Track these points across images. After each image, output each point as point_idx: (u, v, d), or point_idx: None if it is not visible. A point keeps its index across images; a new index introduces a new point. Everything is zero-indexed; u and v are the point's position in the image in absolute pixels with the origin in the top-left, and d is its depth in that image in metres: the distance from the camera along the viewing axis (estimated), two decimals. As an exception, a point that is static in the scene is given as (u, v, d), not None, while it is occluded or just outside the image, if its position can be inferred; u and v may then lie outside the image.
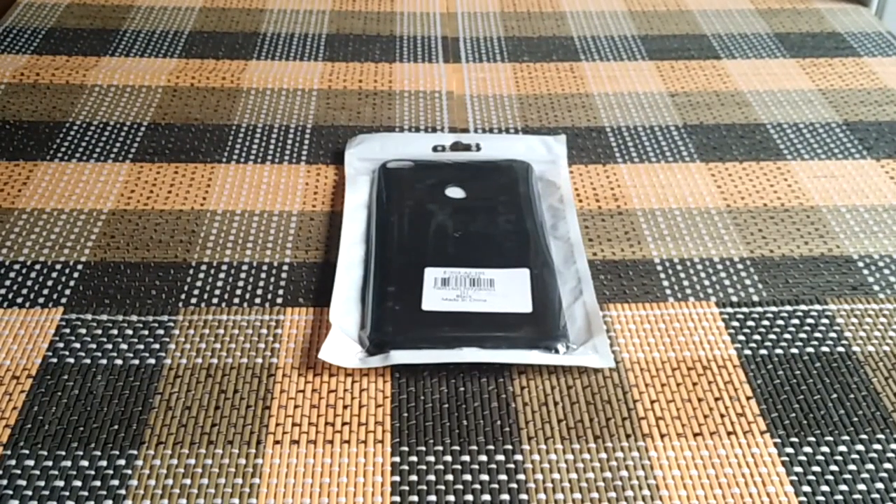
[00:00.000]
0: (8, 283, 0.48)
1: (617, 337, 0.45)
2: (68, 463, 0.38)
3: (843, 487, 0.38)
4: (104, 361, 0.43)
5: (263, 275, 0.49)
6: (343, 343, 0.43)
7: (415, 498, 0.37)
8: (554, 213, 0.53)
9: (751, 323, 0.46)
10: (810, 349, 0.45)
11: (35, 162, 0.57)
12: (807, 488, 0.38)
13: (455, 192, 0.53)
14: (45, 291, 0.47)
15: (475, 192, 0.54)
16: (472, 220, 0.51)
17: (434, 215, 0.51)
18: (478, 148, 0.59)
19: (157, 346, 0.44)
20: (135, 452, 0.39)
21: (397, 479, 0.38)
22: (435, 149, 0.58)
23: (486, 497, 0.37)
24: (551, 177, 0.56)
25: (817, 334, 0.46)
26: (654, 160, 0.59)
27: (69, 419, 0.40)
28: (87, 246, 0.50)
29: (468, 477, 0.38)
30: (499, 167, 0.56)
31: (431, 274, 0.47)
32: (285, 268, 0.49)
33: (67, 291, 0.47)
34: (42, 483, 0.37)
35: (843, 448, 0.40)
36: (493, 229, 0.50)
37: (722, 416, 0.41)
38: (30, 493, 0.37)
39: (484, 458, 0.39)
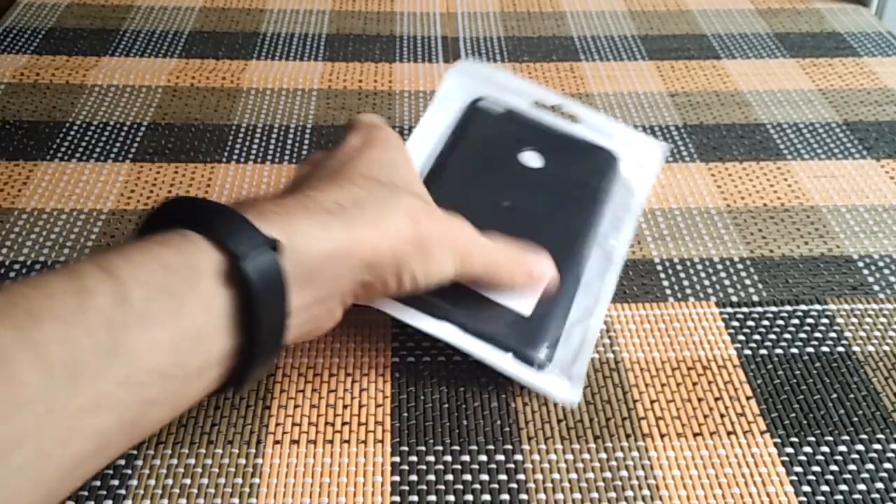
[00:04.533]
0: (8, 283, 0.48)
1: (617, 337, 0.45)
2: (68, 463, 0.38)
3: (843, 487, 0.38)
4: (104, 361, 0.43)
5: (263, 275, 0.49)
6: None
7: (415, 498, 0.37)
8: (614, 221, 0.49)
9: (751, 323, 0.46)
10: (810, 349, 0.45)
11: (35, 162, 0.57)
12: (807, 488, 0.38)
13: (530, 159, 0.48)
14: (45, 291, 0.47)
15: (549, 166, 0.48)
16: (529, 196, 0.46)
17: (495, 176, 0.47)
18: (575, 120, 0.53)
19: (157, 346, 0.44)
20: (134, 452, 0.39)
21: (397, 478, 0.38)
22: (536, 104, 0.53)
23: (486, 497, 0.37)
24: (633, 182, 0.51)
25: (817, 334, 0.46)
26: (654, 160, 0.59)
27: (69, 419, 0.40)
28: (87, 246, 0.50)
29: (468, 477, 0.38)
30: (586, 149, 0.51)
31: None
32: (285, 268, 0.49)
33: (67, 291, 0.47)
34: (42, 483, 0.37)
35: (843, 448, 0.40)
36: (544, 214, 0.46)
37: (722, 416, 0.41)
38: (30, 493, 0.37)
39: (484, 458, 0.39)
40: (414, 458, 0.39)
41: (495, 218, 0.43)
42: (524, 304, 0.42)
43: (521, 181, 0.47)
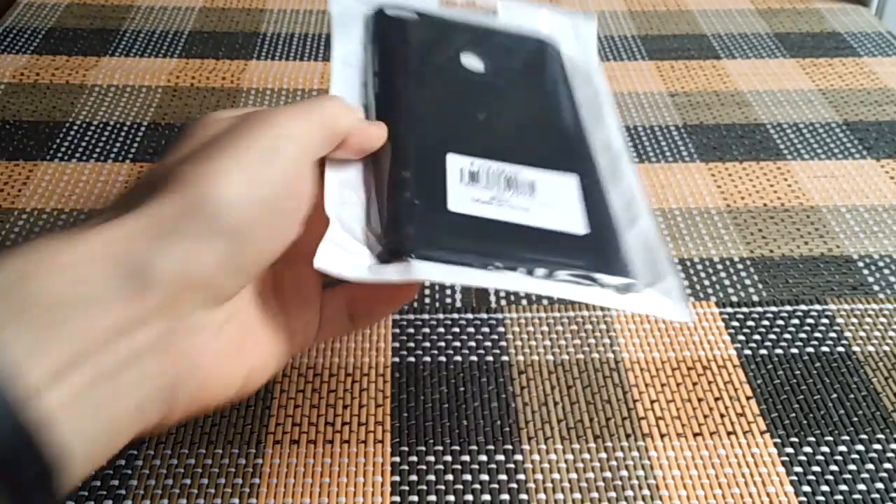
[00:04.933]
0: (8, 283, 0.47)
1: (617, 337, 0.45)
2: (68, 463, 0.38)
3: (843, 487, 0.38)
4: (104, 361, 0.43)
5: (263, 275, 0.49)
6: (345, 244, 0.31)
7: (415, 498, 0.37)
8: (590, 111, 0.41)
9: (751, 323, 0.46)
10: (810, 349, 0.45)
11: (35, 162, 0.57)
12: (807, 488, 0.38)
13: (472, 62, 0.40)
14: (45, 291, 0.47)
15: (496, 66, 0.41)
16: (499, 102, 0.39)
17: (450, 87, 0.39)
18: (495, 13, 0.45)
19: (157, 346, 0.44)
20: (135, 452, 0.39)
21: (397, 478, 0.38)
22: (443, 3, 0.44)
23: (486, 497, 0.37)
24: (582, 63, 0.44)
25: (817, 334, 0.46)
26: (654, 160, 0.59)
27: (69, 419, 0.40)
28: (87, 246, 0.50)
29: (468, 477, 0.38)
30: (523, 41, 0.43)
31: (456, 163, 0.35)
32: (285, 268, 0.49)
33: (67, 291, 0.47)
34: (42, 483, 0.37)
35: (843, 448, 0.40)
36: (527, 118, 0.39)
37: (722, 416, 0.41)
38: (30, 493, 0.37)
39: (484, 458, 0.39)
40: (414, 458, 0.39)
41: (482, 134, 0.37)
42: (574, 221, 0.34)
43: (480, 89, 0.39)
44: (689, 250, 0.51)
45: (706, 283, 0.49)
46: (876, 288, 0.49)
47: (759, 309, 0.47)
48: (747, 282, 0.49)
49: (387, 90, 0.37)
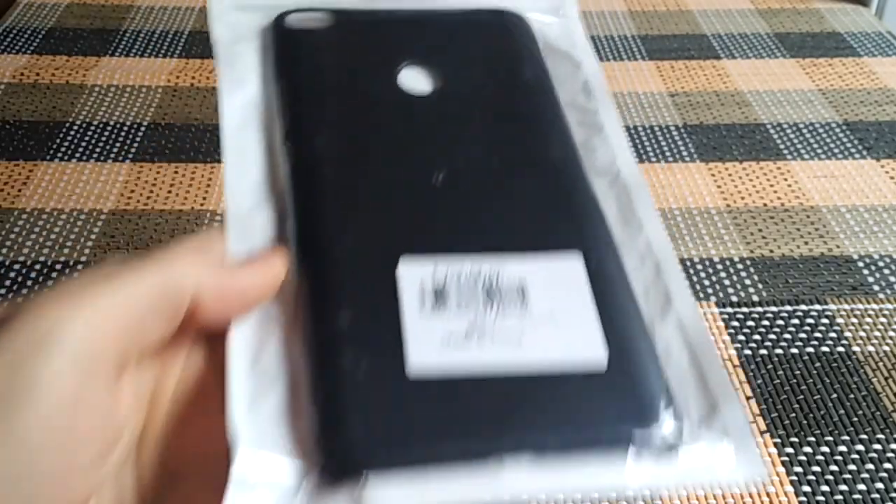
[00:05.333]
0: (8, 283, 0.48)
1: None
2: (68, 463, 0.38)
3: (843, 487, 0.38)
4: (104, 361, 0.43)
5: (263, 275, 0.49)
6: (263, 474, 0.20)
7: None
8: (582, 118, 0.29)
9: (751, 323, 0.46)
10: (810, 349, 0.45)
11: (35, 162, 0.57)
12: (807, 488, 0.38)
13: (413, 80, 0.28)
14: (45, 291, 0.47)
15: (447, 76, 0.28)
16: (458, 142, 0.27)
17: (389, 131, 0.27)
18: None
19: (157, 346, 0.44)
20: (135, 452, 0.39)
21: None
22: None
23: (486, 497, 0.37)
24: (563, 45, 0.31)
25: (817, 334, 0.46)
26: (654, 160, 0.59)
27: (69, 419, 0.40)
28: (87, 246, 0.50)
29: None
30: (477, 19, 0.31)
31: (413, 275, 0.23)
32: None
33: (67, 291, 0.47)
34: (42, 483, 0.37)
35: (843, 448, 0.40)
36: (499, 159, 0.27)
37: (722, 416, 0.41)
38: (30, 493, 0.37)
39: (484, 458, 0.39)
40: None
41: (442, 211, 0.25)
42: (588, 344, 0.23)
43: (427, 126, 0.27)
44: (689, 250, 0.51)
45: (706, 283, 0.49)
46: (876, 288, 0.49)
47: (759, 309, 0.47)
48: (747, 282, 0.49)
49: (301, 157, 0.26)
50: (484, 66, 0.29)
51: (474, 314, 0.23)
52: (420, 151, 0.26)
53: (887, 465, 0.39)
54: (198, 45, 0.71)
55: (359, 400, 0.21)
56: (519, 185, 0.26)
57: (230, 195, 0.24)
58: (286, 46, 0.29)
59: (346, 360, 0.22)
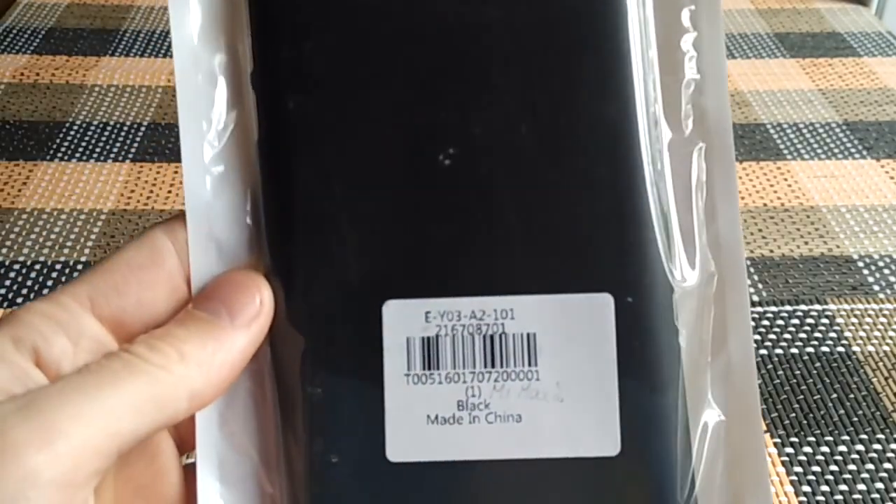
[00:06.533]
0: (8, 283, 0.48)
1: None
2: (68, 463, 0.38)
3: (843, 487, 0.38)
4: (104, 361, 0.43)
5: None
6: None
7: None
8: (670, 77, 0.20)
9: (750, 323, 0.46)
10: (810, 349, 0.45)
11: (35, 162, 0.57)
12: (807, 488, 0.38)
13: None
14: (45, 292, 0.47)
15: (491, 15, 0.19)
16: (498, 87, 0.19)
17: (387, 78, 0.19)
18: None
19: (157, 346, 0.44)
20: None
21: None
22: None
23: (486, 497, 0.37)
24: None
25: (817, 334, 0.46)
26: (654, 160, 0.59)
27: (69, 419, 0.40)
28: (87, 246, 0.50)
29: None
30: None
31: (399, 328, 0.19)
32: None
33: (67, 291, 0.47)
34: (42, 483, 0.37)
35: (843, 448, 0.40)
36: (540, 127, 0.19)
37: (722, 416, 0.41)
38: (30, 492, 0.37)
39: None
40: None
41: (447, 220, 0.19)
42: (597, 428, 0.19)
43: (440, 58, 0.19)
44: (689, 250, 0.51)
45: (706, 283, 0.49)
46: (876, 288, 0.49)
47: (759, 309, 0.47)
48: (747, 282, 0.49)
49: (270, 142, 0.19)
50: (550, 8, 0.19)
51: (470, 380, 0.19)
52: (425, 128, 0.19)
53: (887, 465, 0.39)
54: (198, 45, 0.71)
55: (333, 486, 0.18)
56: (546, 190, 0.19)
57: (187, 174, 0.19)
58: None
59: (319, 438, 0.18)
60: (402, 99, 0.19)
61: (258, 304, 0.18)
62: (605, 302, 0.18)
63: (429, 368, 0.19)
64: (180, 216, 0.19)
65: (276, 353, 0.19)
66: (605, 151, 0.18)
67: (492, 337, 0.19)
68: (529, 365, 0.19)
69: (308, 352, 0.18)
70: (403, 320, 0.18)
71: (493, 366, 0.19)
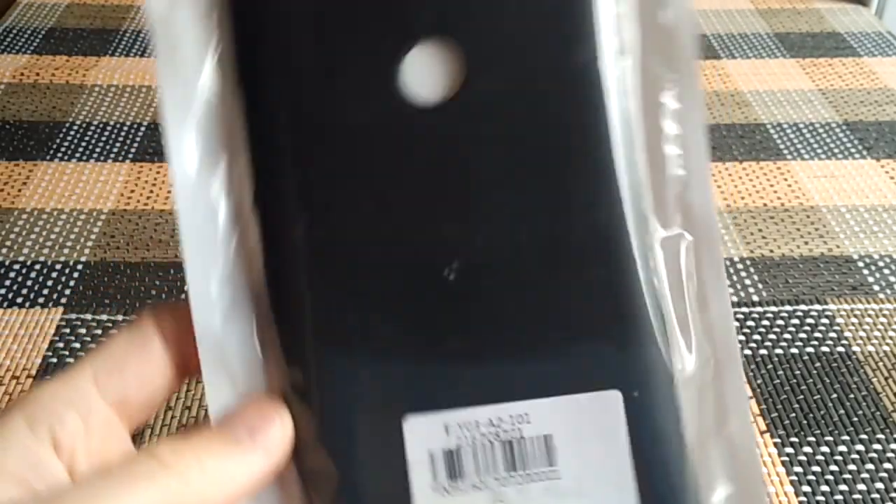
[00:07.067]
0: (8, 283, 0.48)
1: (617, 337, 0.45)
2: (68, 463, 0.38)
3: (843, 487, 0.38)
4: (104, 361, 0.43)
5: (263, 275, 0.49)
6: None
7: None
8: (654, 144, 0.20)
9: (751, 323, 0.46)
10: (810, 349, 0.45)
11: (35, 162, 0.57)
12: (807, 488, 0.38)
13: (423, 73, 0.19)
14: (45, 291, 0.47)
15: (474, 67, 0.19)
16: (480, 190, 0.19)
17: (384, 184, 0.19)
18: None
19: (157, 346, 0.44)
20: (135, 452, 0.39)
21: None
22: None
23: None
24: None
25: (817, 334, 0.46)
26: (654, 160, 0.59)
27: (69, 419, 0.40)
28: (87, 246, 0.50)
29: None
30: None
31: (420, 444, 0.19)
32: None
33: (67, 291, 0.47)
34: (42, 483, 0.37)
35: (843, 448, 0.40)
36: (528, 231, 0.19)
37: (722, 416, 0.41)
38: (30, 492, 0.37)
39: None
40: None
41: (457, 334, 0.19)
42: None
43: (435, 172, 0.19)
44: (689, 250, 0.51)
45: (706, 283, 0.49)
46: (876, 288, 0.49)
47: (759, 309, 0.47)
48: (747, 282, 0.49)
49: (277, 263, 0.19)
50: (525, 50, 0.19)
51: (495, 486, 0.19)
52: (425, 225, 0.19)
53: (887, 465, 0.39)
54: (198, 45, 0.71)
55: None
56: (555, 259, 0.19)
57: (196, 309, 0.19)
58: (244, 20, 0.19)
59: None
60: (406, 216, 0.19)
61: (278, 427, 0.18)
62: (614, 398, 0.19)
63: (454, 479, 0.19)
64: (169, 305, 0.19)
65: (303, 476, 0.19)
66: (599, 256, 0.19)
67: (511, 442, 0.19)
68: (549, 465, 0.19)
69: (336, 473, 0.19)
70: (424, 435, 0.19)
71: (514, 469, 0.19)
